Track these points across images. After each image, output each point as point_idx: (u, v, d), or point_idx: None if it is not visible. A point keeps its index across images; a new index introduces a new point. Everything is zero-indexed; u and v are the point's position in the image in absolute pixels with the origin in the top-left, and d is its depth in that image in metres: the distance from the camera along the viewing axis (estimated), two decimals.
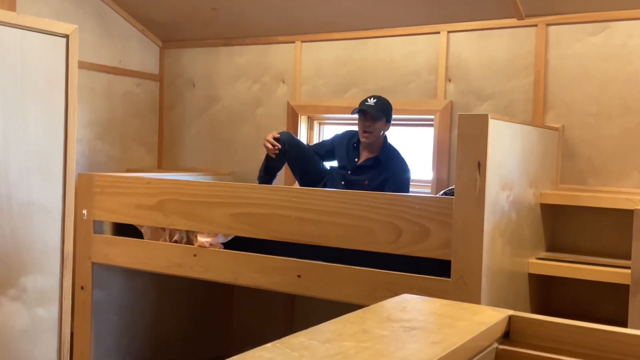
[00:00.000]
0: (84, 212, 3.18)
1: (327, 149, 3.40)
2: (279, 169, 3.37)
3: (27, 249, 2.27)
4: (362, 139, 3.15)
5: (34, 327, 2.31)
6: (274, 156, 3.24)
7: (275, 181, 3.39)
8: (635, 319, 2.04)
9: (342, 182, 3.21)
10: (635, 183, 2.92)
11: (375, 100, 3.11)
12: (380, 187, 3.05)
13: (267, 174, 3.32)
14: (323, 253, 2.65)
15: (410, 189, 3.22)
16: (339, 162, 3.32)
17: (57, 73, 2.29)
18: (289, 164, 3.36)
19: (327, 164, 3.42)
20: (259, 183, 3.32)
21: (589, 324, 1.04)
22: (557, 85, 3.11)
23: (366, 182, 3.12)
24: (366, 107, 3.09)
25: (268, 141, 3.23)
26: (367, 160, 3.19)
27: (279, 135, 3.24)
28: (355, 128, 3.21)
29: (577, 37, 3.05)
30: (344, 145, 3.29)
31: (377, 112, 3.08)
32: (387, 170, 3.12)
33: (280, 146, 3.21)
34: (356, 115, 3.15)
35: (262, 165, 3.36)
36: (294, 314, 3.87)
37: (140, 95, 4.28)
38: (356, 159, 3.23)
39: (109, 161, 4.08)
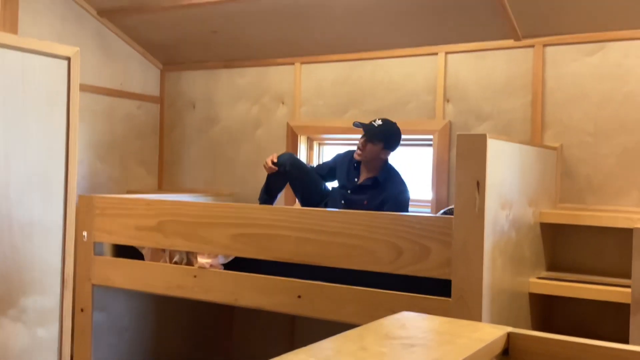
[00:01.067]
0: (84, 233, 3.18)
1: (328, 169, 3.42)
2: (281, 189, 3.38)
3: (28, 269, 2.28)
4: (355, 155, 3.17)
5: (34, 347, 2.30)
6: (269, 173, 3.27)
7: (276, 202, 3.40)
8: (636, 337, 2.03)
9: (342, 202, 3.22)
10: (634, 202, 2.93)
11: (381, 123, 3.12)
12: (379, 207, 3.06)
13: (268, 195, 3.33)
14: (323, 273, 2.64)
15: (410, 209, 3.22)
16: (339, 181, 3.34)
17: (58, 95, 2.32)
18: (290, 185, 3.37)
19: (329, 185, 3.43)
20: (260, 204, 3.33)
21: (587, 340, 1.04)
22: (554, 104, 3.13)
23: (365, 202, 3.13)
24: (368, 126, 3.11)
25: (267, 163, 3.25)
26: (366, 180, 3.20)
27: (276, 160, 3.25)
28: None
29: (574, 57, 3.08)
30: (345, 164, 3.31)
31: (376, 136, 3.10)
32: (386, 191, 3.13)
33: (276, 169, 3.23)
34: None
35: (263, 186, 3.36)
36: (294, 334, 3.85)
37: (140, 117, 4.30)
38: (356, 179, 3.24)
39: (109, 182, 4.09)
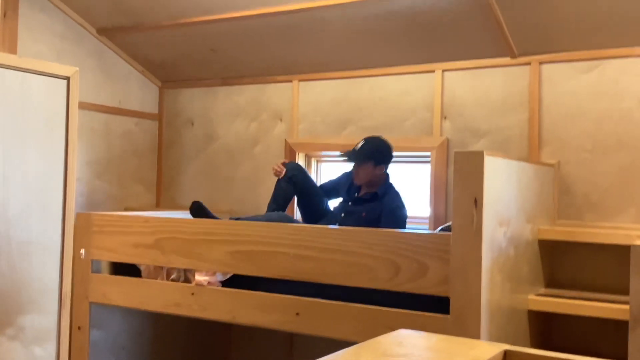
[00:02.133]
0: (82, 251, 3.17)
1: (333, 186, 3.45)
2: (289, 200, 3.39)
3: (26, 287, 2.27)
4: (354, 180, 3.23)
5: None
6: (277, 176, 3.34)
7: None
8: (635, 354, 2.02)
9: (342, 215, 3.23)
10: (632, 218, 2.93)
11: (362, 143, 3.18)
12: (377, 221, 3.07)
13: (276, 204, 3.34)
14: (321, 290, 2.64)
15: (408, 225, 3.23)
16: (342, 196, 3.36)
17: (57, 114, 2.33)
18: (296, 194, 3.40)
19: (330, 203, 3.45)
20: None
21: (584, 358, 1.04)
22: (551, 122, 3.14)
23: (363, 214, 3.15)
24: (350, 153, 3.18)
25: (276, 164, 3.35)
26: (365, 194, 3.23)
27: (286, 161, 3.39)
28: None
29: (570, 75, 3.10)
30: (349, 180, 3.34)
31: (359, 158, 3.15)
32: (383, 205, 3.15)
33: (284, 170, 3.32)
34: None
35: (271, 196, 3.38)
36: (292, 352, 3.83)
37: (139, 134, 4.31)
38: (357, 193, 3.26)
39: (107, 200, 4.09)
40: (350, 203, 3.27)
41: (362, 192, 3.26)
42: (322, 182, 3.62)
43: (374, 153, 3.17)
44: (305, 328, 2.65)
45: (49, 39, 3.69)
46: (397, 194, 3.22)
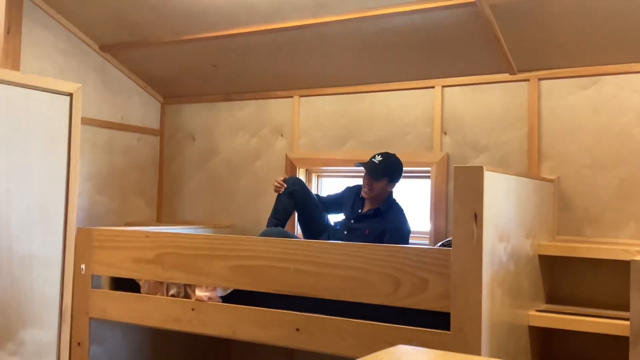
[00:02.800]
0: (82, 266, 3.18)
1: (334, 200, 3.45)
2: (289, 215, 3.40)
3: (27, 301, 2.27)
4: (362, 193, 3.21)
5: None
6: (277, 192, 3.36)
7: (285, 227, 3.41)
8: None
9: (345, 232, 3.24)
10: (632, 234, 2.93)
11: (381, 158, 3.17)
12: (380, 236, 3.08)
13: (276, 219, 3.34)
14: (322, 306, 2.64)
15: (409, 241, 3.23)
16: (344, 213, 3.36)
17: (60, 130, 2.34)
18: (296, 209, 3.40)
19: (330, 218, 3.45)
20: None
21: None
22: (551, 137, 3.16)
23: (366, 232, 3.15)
24: (369, 164, 3.15)
25: (276, 180, 3.38)
26: (368, 210, 3.24)
27: (287, 177, 3.42)
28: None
29: (569, 91, 3.12)
30: (352, 197, 3.35)
31: (378, 173, 3.15)
32: (386, 221, 3.15)
33: (284, 186, 3.34)
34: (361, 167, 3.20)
35: (271, 211, 3.39)
36: None
37: (140, 149, 4.33)
38: (360, 210, 3.27)
39: (108, 214, 4.09)
40: (352, 220, 3.27)
41: (366, 209, 3.26)
42: (323, 196, 3.63)
43: (391, 170, 3.19)
44: (306, 344, 2.65)
45: (51, 55, 3.71)
46: (400, 210, 3.23)
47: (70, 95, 2.35)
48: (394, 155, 3.22)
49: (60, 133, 2.33)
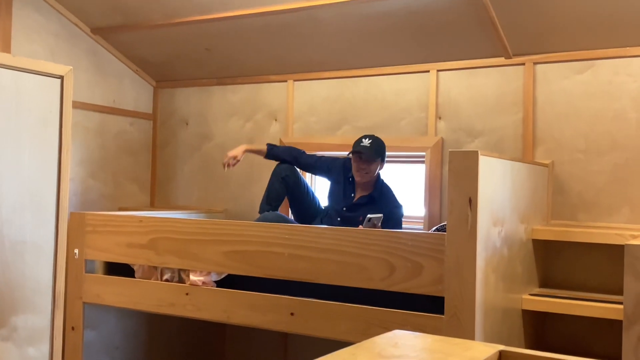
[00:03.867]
0: (76, 251, 3.16)
1: (324, 164, 3.40)
2: (281, 200, 3.39)
3: (19, 287, 2.26)
4: (357, 178, 3.19)
5: None
6: (226, 168, 3.40)
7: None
8: (629, 354, 2.03)
9: (338, 219, 3.24)
10: (625, 218, 2.94)
11: (370, 140, 3.15)
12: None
13: (269, 205, 3.33)
14: (316, 290, 2.64)
15: (403, 225, 3.23)
16: (334, 197, 3.33)
17: (51, 113, 2.32)
18: (288, 195, 3.39)
19: (322, 203, 3.45)
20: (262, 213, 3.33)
21: (576, 358, 1.04)
22: (545, 122, 3.15)
23: (361, 219, 3.14)
24: (362, 148, 3.12)
25: (226, 155, 3.40)
26: (361, 198, 3.23)
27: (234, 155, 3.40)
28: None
29: (564, 75, 3.11)
30: (341, 181, 3.30)
31: (373, 155, 3.13)
32: (380, 207, 3.14)
33: (233, 161, 3.38)
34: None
35: (263, 196, 3.37)
36: (287, 352, 3.83)
37: (133, 133, 4.30)
38: (352, 194, 3.25)
39: (101, 199, 4.08)
40: (345, 209, 3.26)
41: (358, 196, 3.25)
42: (311, 155, 3.50)
43: (383, 151, 3.19)
44: (300, 328, 2.65)
45: (43, 38, 3.67)
46: (391, 192, 3.23)
47: (61, 78, 2.33)
48: (379, 137, 3.22)
49: (52, 116, 2.31)
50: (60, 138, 2.32)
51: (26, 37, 3.56)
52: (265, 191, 3.38)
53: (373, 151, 3.13)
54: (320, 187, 3.98)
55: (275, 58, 3.82)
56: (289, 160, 3.41)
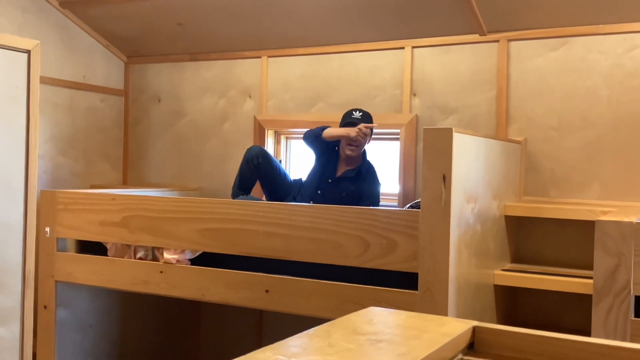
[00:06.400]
0: (47, 229, 3.12)
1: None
2: (253, 184, 3.36)
3: None
4: (348, 152, 3.12)
5: None
6: (356, 137, 3.07)
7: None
8: (599, 328, 2.07)
9: (319, 191, 3.20)
10: (596, 194, 2.98)
11: (361, 113, 3.13)
12: (357, 200, 3.06)
13: (242, 190, 3.30)
14: (291, 267, 2.64)
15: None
16: (318, 171, 3.28)
17: (18, 88, 2.26)
18: (259, 179, 3.35)
19: (294, 178, 3.43)
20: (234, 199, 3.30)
21: (551, 334, 1.06)
22: (519, 99, 3.17)
23: (343, 194, 3.14)
24: (355, 120, 3.10)
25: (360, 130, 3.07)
26: (347, 172, 3.20)
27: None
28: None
29: (538, 52, 3.12)
30: (328, 148, 3.23)
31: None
32: (364, 183, 3.14)
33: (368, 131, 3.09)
34: None
35: (235, 181, 3.34)
36: (262, 329, 3.84)
37: (104, 110, 4.23)
38: (336, 167, 3.22)
39: (72, 177, 4.01)
40: (330, 180, 3.23)
41: (344, 169, 3.21)
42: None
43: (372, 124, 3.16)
44: (275, 305, 2.66)
45: (9, 11, 3.57)
46: (374, 171, 3.22)
47: (28, 52, 2.27)
48: (365, 110, 3.20)
49: (19, 92, 2.25)
50: (27, 114, 2.27)
51: None
52: (237, 176, 3.33)
53: (369, 119, 3.12)
54: (295, 165, 3.97)
55: (250, 34, 3.77)
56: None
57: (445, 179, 2.18)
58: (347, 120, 3.12)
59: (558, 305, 2.93)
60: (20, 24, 3.63)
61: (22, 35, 2.97)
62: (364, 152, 3.22)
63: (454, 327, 1.08)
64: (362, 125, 3.07)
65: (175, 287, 2.86)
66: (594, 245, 2.06)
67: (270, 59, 3.85)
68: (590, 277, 2.16)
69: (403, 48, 3.44)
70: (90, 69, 4.12)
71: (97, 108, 4.18)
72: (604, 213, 2.42)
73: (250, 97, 3.93)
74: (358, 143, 3.10)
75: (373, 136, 3.42)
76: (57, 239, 3.13)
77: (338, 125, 3.20)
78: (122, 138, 4.35)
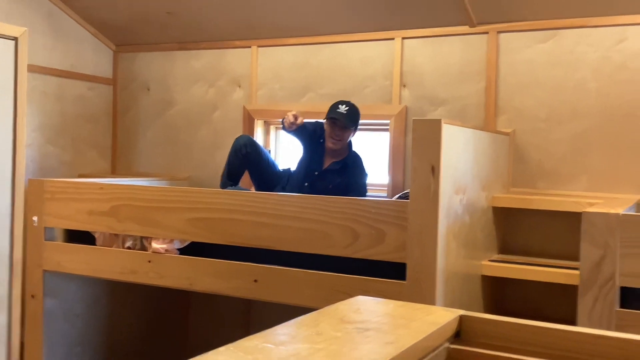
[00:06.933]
0: (35, 218, 3.10)
1: (305, 131, 3.28)
2: (242, 173, 3.35)
3: None
4: (329, 145, 3.16)
5: None
6: (291, 127, 3.11)
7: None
8: (584, 318, 2.09)
9: (306, 184, 3.21)
10: (583, 186, 3.01)
11: (347, 108, 3.12)
12: (344, 191, 3.07)
13: (230, 180, 3.30)
14: (280, 257, 2.64)
15: (367, 193, 3.25)
16: (305, 162, 3.28)
17: (5, 76, 2.24)
18: (248, 168, 3.35)
19: (282, 168, 3.43)
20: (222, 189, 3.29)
21: (536, 323, 1.07)
22: (508, 91, 3.18)
23: (330, 186, 3.14)
24: (338, 115, 3.10)
25: (288, 118, 3.11)
26: (333, 163, 3.21)
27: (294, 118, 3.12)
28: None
29: (527, 44, 3.13)
30: (314, 144, 3.25)
31: (348, 122, 3.12)
32: (350, 175, 3.15)
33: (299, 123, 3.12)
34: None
35: (223, 171, 3.33)
36: (250, 319, 3.85)
37: (93, 99, 4.20)
38: (323, 159, 3.23)
39: (60, 166, 3.99)
40: (317, 173, 3.24)
41: (328, 163, 3.23)
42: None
43: (358, 119, 3.17)
44: (263, 295, 2.66)
45: None
46: (361, 162, 3.23)
47: (16, 39, 2.25)
48: (352, 103, 3.20)
49: (6, 80, 2.23)
50: (15, 102, 2.25)
51: None
52: (226, 166, 3.32)
53: (348, 119, 3.12)
54: (284, 154, 3.97)
55: (240, 23, 3.75)
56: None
57: (434, 170, 2.19)
58: (330, 115, 3.12)
59: (544, 295, 2.95)
60: (8, 12, 3.59)
61: (10, 23, 2.94)
62: (350, 143, 3.23)
63: (440, 316, 1.09)
64: (290, 114, 3.10)
65: (164, 276, 2.86)
66: (580, 237, 2.08)
67: (260, 48, 3.84)
68: (576, 268, 2.18)
69: (393, 39, 3.44)
70: (79, 58, 4.09)
71: (86, 97, 4.15)
72: (591, 205, 2.44)
73: (239, 86, 3.92)
74: (295, 129, 3.08)
75: (362, 127, 3.43)
76: (45, 228, 3.12)
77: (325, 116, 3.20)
78: (111, 127, 4.33)
